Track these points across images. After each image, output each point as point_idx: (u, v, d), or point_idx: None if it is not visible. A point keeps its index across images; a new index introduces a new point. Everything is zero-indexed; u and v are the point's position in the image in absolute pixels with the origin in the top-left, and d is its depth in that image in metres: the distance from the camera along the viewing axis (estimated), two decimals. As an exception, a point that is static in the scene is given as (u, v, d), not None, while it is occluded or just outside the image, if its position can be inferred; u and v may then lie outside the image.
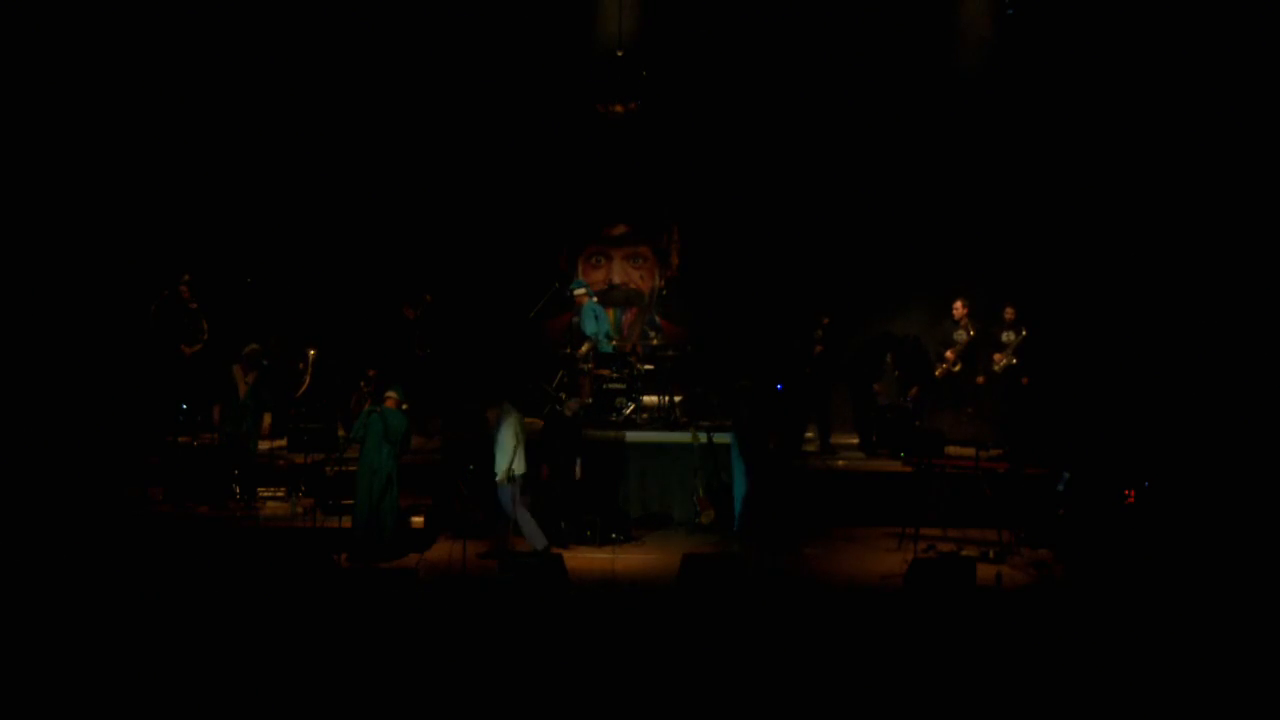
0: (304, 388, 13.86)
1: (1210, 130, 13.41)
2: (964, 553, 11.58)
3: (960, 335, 13.79)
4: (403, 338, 14.26)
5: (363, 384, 13.28)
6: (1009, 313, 13.72)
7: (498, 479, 11.31)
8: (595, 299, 14.64)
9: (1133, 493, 11.68)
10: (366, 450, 11.25)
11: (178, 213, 14.34)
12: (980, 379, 13.70)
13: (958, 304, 13.84)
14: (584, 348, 13.90)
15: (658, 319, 15.80)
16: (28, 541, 10.99)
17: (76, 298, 13.58)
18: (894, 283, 14.73)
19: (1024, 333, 13.57)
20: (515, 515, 11.28)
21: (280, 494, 12.45)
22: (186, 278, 13.56)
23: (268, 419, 12.86)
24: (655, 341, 15.11)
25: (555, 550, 11.26)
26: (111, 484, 12.59)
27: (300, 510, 11.95)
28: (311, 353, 14.02)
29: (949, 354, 13.79)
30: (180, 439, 12.51)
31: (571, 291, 14.34)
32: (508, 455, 11.23)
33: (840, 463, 13.30)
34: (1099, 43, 13.92)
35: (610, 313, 15.80)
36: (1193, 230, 13.51)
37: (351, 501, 11.53)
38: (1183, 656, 8.99)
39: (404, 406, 11.54)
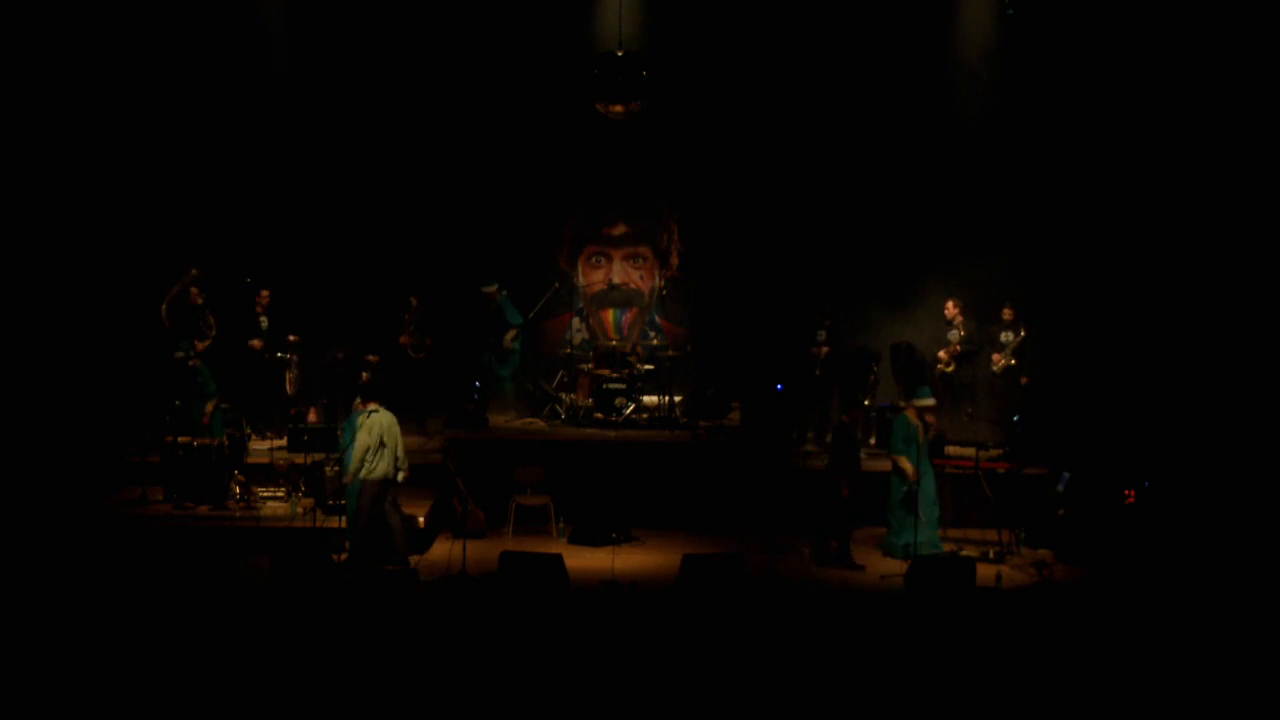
0: (292, 375, 13.83)
1: (1210, 130, 13.40)
2: (964, 553, 11.59)
3: (954, 336, 13.78)
4: (398, 341, 14.25)
5: (364, 374, 13.28)
6: (1007, 313, 13.72)
7: (344, 479, 11.17)
8: (505, 293, 14.50)
9: (1133, 493, 11.68)
10: (346, 457, 11.24)
11: (175, 212, 14.31)
12: (969, 378, 13.71)
13: (950, 304, 13.84)
14: (509, 335, 14.32)
15: (658, 319, 15.80)
16: (23, 541, 11.00)
17: (76, 297, 13.55)
18: (893, 282, 14.68)
19: (1023, 333, 13.57)
20: (363, 520, 10.99)
21: (280, 494, 12.45)
22: (195, 273, 13.52)
23: (209, 407, 12.86)
24: (655, 341, 15.14)
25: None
26: (107, 484, 12.61)
27: (300, 510, 11.96)
28: (292, 338, 14.00)
29: (943, 354, 13.79)
30: (181, 438, 12.51)
31: (483, 290, 14.39)
32: (357, 456, 10.91)
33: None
34: (1098, 43, 13.92)
35: (610, 313, 15.85)
36: (1192, 230, 13.50)
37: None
38: (1183, 656, 8.99)
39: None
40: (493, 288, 14.50)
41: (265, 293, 14.01)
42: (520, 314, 14.53)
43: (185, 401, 12.66)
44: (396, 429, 11.10)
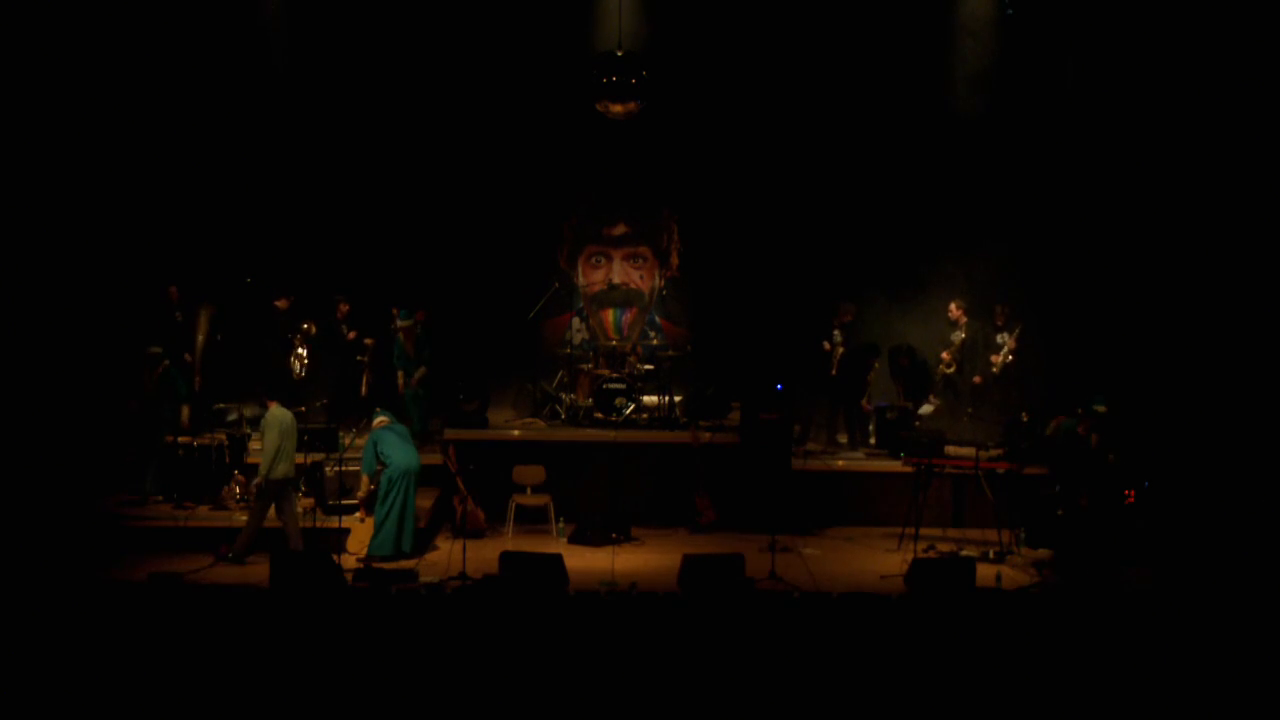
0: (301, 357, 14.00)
1: (1208, 129, 13.39)
2: (964, 553, 11.60)
3: (957, 336, 13.79)
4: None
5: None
6: (999, 317, 13.70)
7: (255, 481, 11.21)
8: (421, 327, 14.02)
9: (1133, 493, 11.67)
10: (394, 458, 11.31)
11: (174, 211, 14.31)
12: (978, 379, 13.70)
13: (953, 305, 13.84)
14: (419, 373, 13.80)
15: (658, 319, 15.81)
16: (21, 542, 11.00)
17: (75, 297, 13.53)
18: (894, 281, 14.67)
19: (1017, 330, 13.54)
20: (283, 521, 11.22)
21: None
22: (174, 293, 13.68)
23: (185, 411, 12.81)
24: (655, 341, 15.14)
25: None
26: (106, 484, 12.61)
27: (300, 510, 11.95)
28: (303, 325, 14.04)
29: (945, 354, 13.80)
30: (181, 439, 12.51)
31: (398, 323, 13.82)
32: (268, 457, 11.05)
33: (840, 463, 13.31)
34: (1098, 42, 13.92)
35: (610, 313, 15.86)
36: (1193, 227, 13.49)
37: (354, 501, 11.69)
38: (1183, 655, 8.98)
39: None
40: (418, 316, 13.90)
41: (286, 299, 14.04)
42: (430, 350, 13.92)
43: (156, 401, 12.56)
44: (295, 428, 11.30)
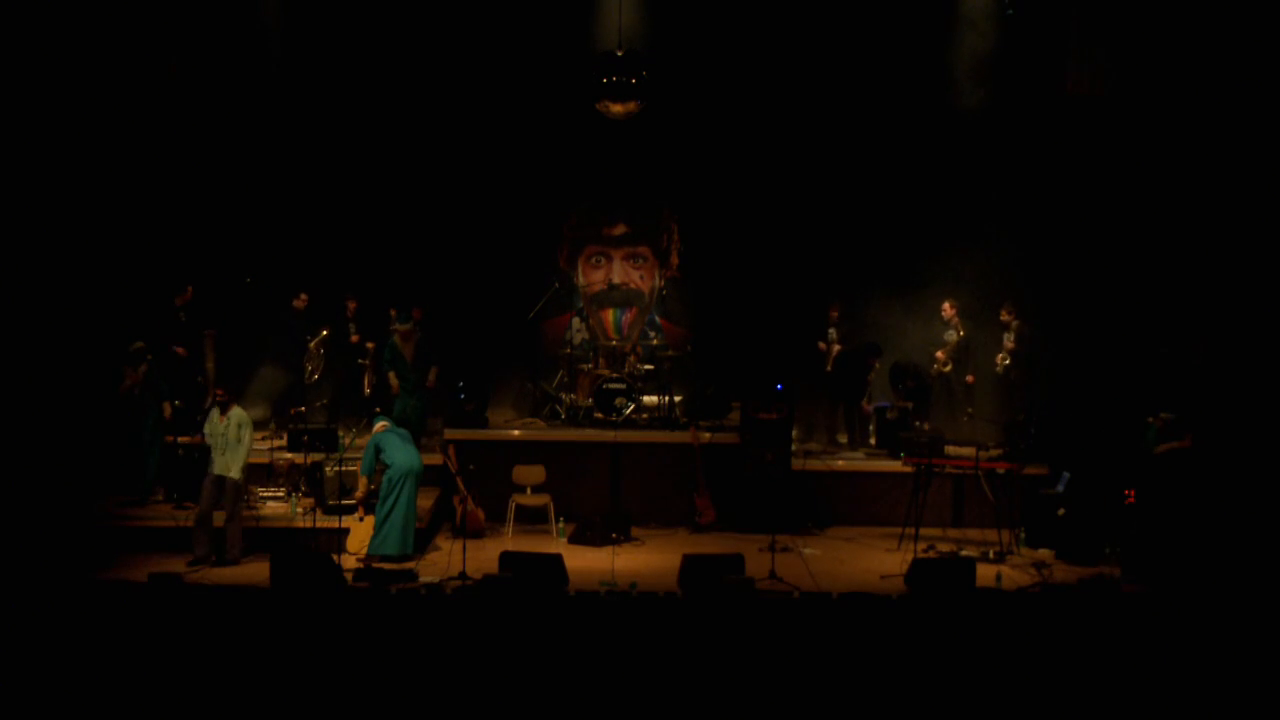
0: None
1: (1207, 127, 13.38)
2: (964, 553, 11.60)
3: (951, 336, 13.78)
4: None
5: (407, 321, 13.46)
6: (1004, 315, 13.70)
7: (233, 476, 11.22)
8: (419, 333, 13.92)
9: (1133, 493, 11.66)
10: (396, 459, 11.31)
11: (172, 212, 14.30)
12: (970, 378, 13.68)
13: (946, 305, 13.83)
14: (432, 373, 13.68)
15: (658, 319, 15.81)
16: (20, 542, 11.00)
17: (75, 297, 13.52)
18: (895, 280, 14.65)
19: (1015, 329, 13.53)
20: (203, 511, 11.25)
21: (280, 494, 12.46)
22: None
23: (167, 408, 12.71)
24: (655, 341, 15.15)
25: None
26: (105, 484, 12.61)
27: (300, 510, 11.97)
28: (324, 332, 14.12)
29: (939, 354, 13.79)
30: (181, 439, 12.51)
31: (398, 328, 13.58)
32: (245, 456, 11.21)
33: (840, 463, 13.31)
34: (1097, 42, 13.90)
35: (610, 313, 15.86)
36: (1196, 226, 13.48)
37: (353, 502, 11.70)
38: (1186, 656, 8.98)
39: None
40: (415, 314, 13.87)
41: (304, 296, 14.08)
42: (434, 352, 13.77)
43: (143, 399, 12.54)
44: None
